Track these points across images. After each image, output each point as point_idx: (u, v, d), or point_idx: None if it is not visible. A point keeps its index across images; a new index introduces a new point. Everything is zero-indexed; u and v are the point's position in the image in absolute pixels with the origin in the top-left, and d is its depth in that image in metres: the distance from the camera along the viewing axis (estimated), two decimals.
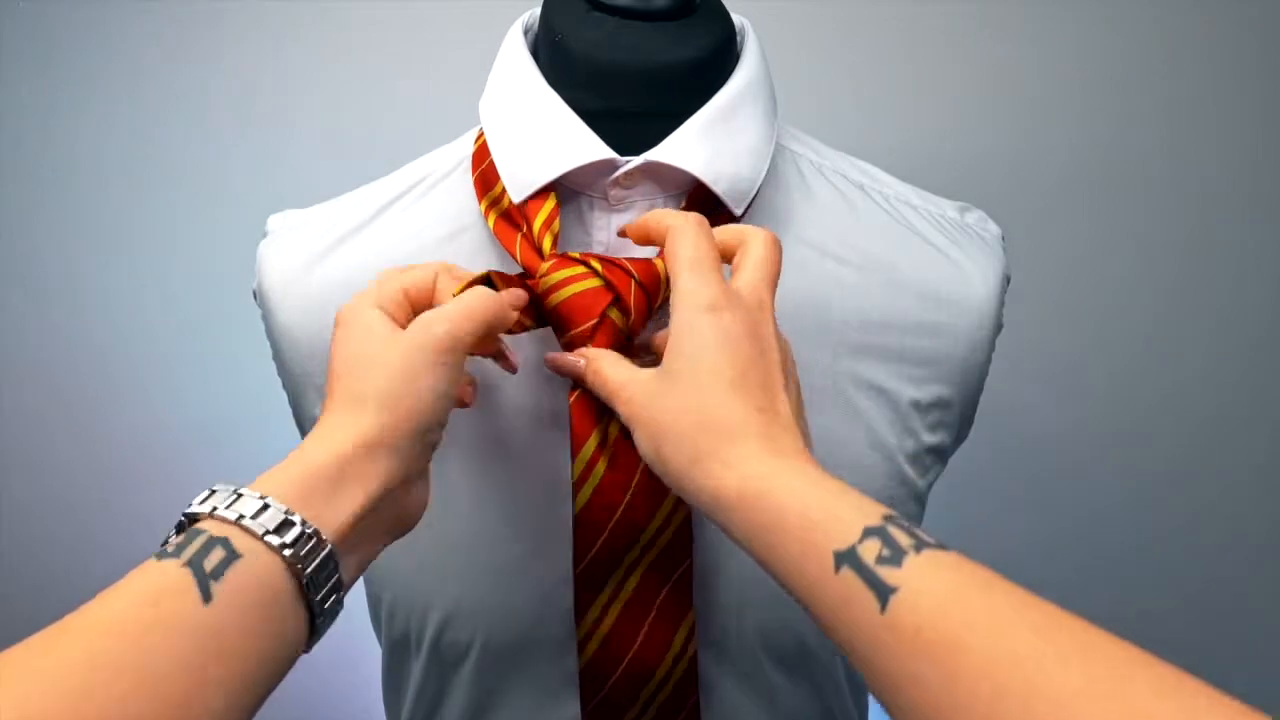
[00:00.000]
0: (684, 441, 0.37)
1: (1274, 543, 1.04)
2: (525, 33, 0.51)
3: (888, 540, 0.31)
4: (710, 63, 0.47)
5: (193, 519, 0.33)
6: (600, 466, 0.43)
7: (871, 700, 0.62)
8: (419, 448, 0.39)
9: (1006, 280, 0.53)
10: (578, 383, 0.44)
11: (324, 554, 0.33)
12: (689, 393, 0.37)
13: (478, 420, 0.48)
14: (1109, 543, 1.06)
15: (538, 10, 0.50)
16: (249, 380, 1.00)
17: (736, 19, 0.51)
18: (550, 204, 0.46)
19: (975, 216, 0.56)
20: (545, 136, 0.46)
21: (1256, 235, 0.97)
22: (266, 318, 0.52)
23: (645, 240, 0.44)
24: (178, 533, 0.33)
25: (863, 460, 0.49)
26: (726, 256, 0.43)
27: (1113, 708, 0.24)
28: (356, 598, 0.55)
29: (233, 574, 0.31)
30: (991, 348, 0.52)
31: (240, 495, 0.33)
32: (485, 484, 0.49)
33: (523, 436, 0.48)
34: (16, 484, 1.13)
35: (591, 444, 0.43)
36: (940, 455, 0.53)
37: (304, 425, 0.54)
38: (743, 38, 0.51)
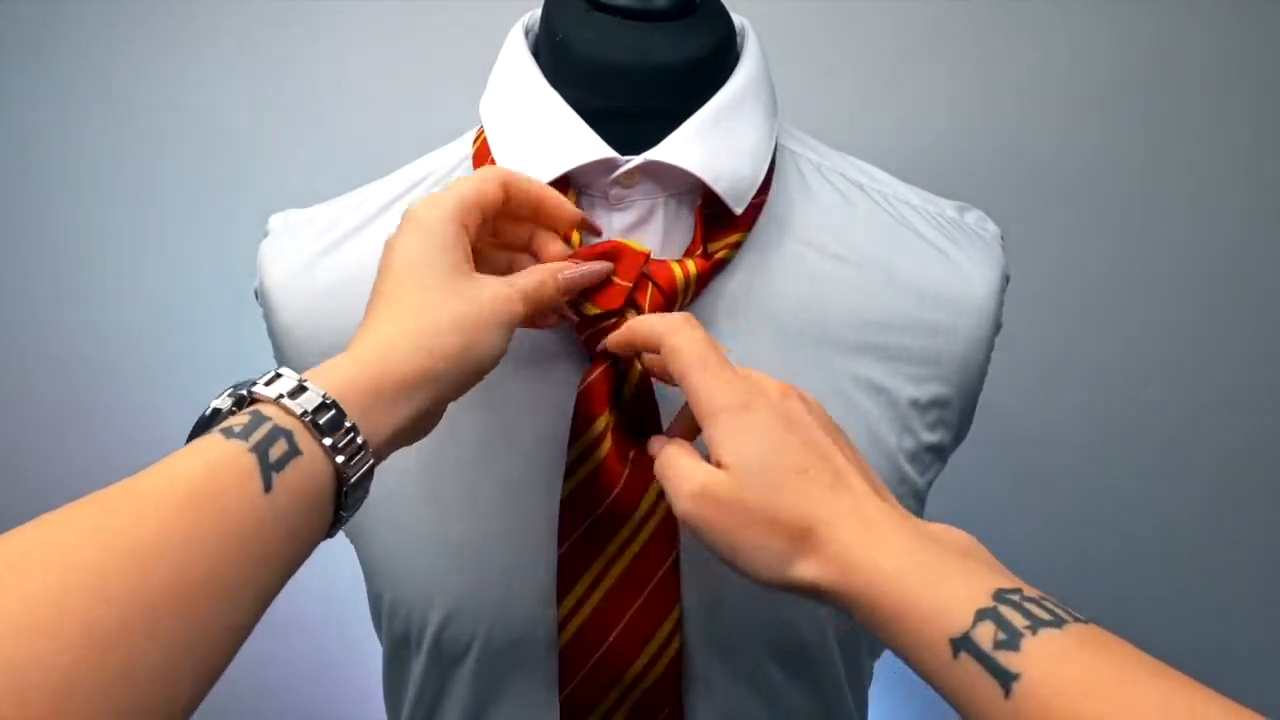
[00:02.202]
0: (769, 549, 0.36)
1: (1273, 541, 1.04)
2: (526, 33, 0.51)
3: (1001, 623, 0.30)
4: (710, 62, 0.47)
5: (254, 398, 0.33)
6: (604, 447, 0.44)
7: (871, 701, 0.62)
8: (470, 382, 0.40)
9: (1006, 279, 0.53)
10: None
11: (366, 467, 0.34)
12: (756, 496, 0.36)
13: (477, 419, 0.48)
14: (1109, 541, 1.06)
15: (538, 10, 0.50)
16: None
17: (736, 19, 0.51)
18: (570, 200, 0.47)
19: (974, 216, 0.56)
20: (546, 136, 0.46)
21: (1256, 234, 0.97)
22: (268, 317, 0.52)
23: (630, 350, 0.44)
24: (236, 405, 0.34)
25: None
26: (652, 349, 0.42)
27: None
28: (357, 598, 0.55)
29: (292, 469, 0.31)
30: (991, 347, 0.52)
31: (305, 388, 0.33)
32: (484, 482, 0.49)
33: (522, 435, 0.48)
34: (17, 483, 1.13)
35: (600, 425, 0.44)
36: (940, 454, 0.53)
37: None
38: (742, 37, 0.51)
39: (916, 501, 0.52)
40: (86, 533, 0.27)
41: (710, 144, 0.46)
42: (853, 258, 0.50)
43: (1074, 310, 1.00)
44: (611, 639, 0.46)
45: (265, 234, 0.54)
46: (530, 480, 0.48)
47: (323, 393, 0.33)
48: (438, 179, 0.52)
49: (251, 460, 0.30)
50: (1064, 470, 1.05)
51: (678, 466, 0.39)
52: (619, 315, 0.45)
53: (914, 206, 0.54)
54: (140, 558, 0.27)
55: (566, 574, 0.46)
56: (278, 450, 0.31)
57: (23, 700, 0.23)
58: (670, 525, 0.46)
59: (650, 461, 0.43)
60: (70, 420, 1.12)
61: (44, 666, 0.24)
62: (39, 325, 1.10)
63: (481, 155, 0.49)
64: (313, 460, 0.32)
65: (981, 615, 0.31)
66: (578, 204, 0.47)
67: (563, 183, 0.46)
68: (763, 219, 0.49)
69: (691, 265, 0.46)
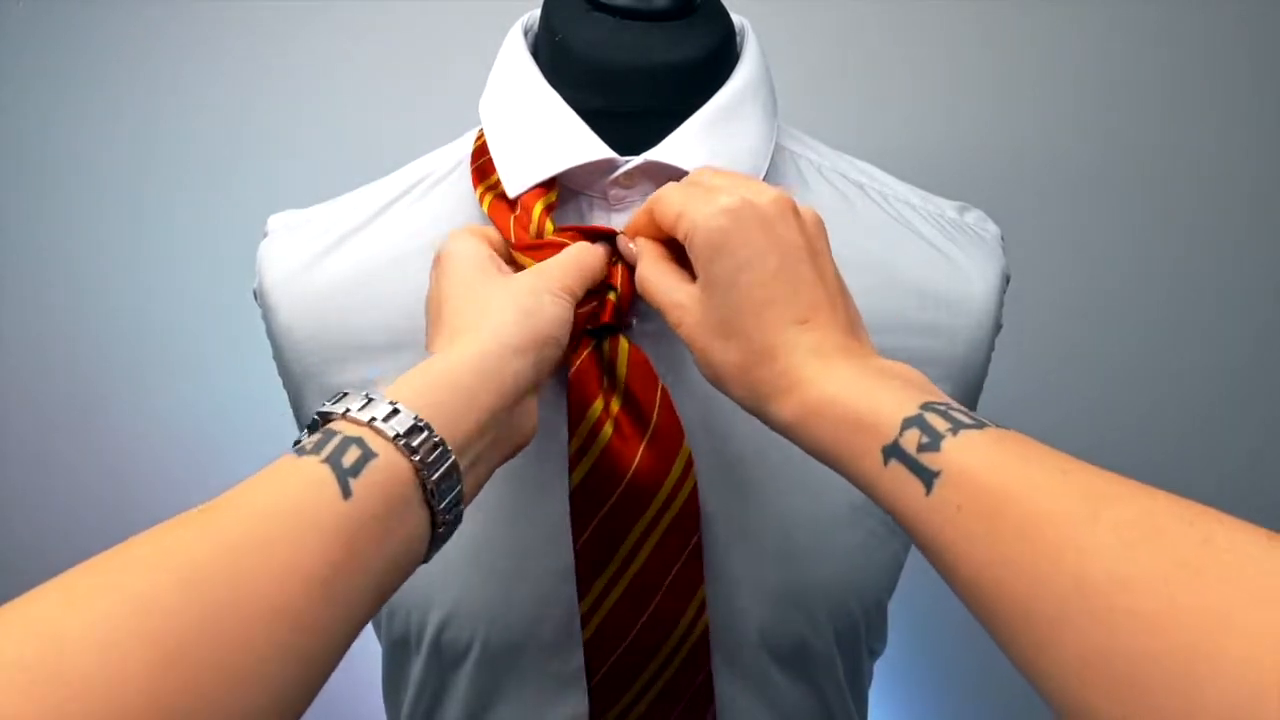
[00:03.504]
0: (742, 383, 0.39)
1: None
2: (525, 33, 0.51)
3: (925, 428, 0.33)
4: (710, 62, 0.47)
5: (325, 418, 0.34)
6: (607, 430, 0.44)
7: (872, 701, 0.62)
8: (537, 359, 0.39)
9: (1006, 280, 0.53)
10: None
11: (448, 464, 0.34)
12: (730, 318, 0.39)
13: None
14: None
15: (538, 10, 0.50)
16: (249, 380, 1.00)
17: (736, 19, 0.51)
18: (551, 196, 0.46)
19: (974, 216, 0.56)
20: (545, 136, 0.46)
21: (1256, 234, 0.97)
22: (267, 317, 0.52)
23: (654, 231, 0.44)
24: (309, 432, 0.33)
25: None
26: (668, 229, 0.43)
27: (1138, 554, 0.25)
28: None
29: (369, 472, 0.31)
30: (991, 347, 0.52)
31: (371, 400, 0.34)
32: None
33: None
34: (16, 483, 1.13)
35: (597, 407, 0.44)
36: None
37: (304, 424, 0.54)
38: (742, 37, 0.51)
39: None
40: (191, 545, 0.27)
41: (710, 144, 0.46)
42: (852, 258, 0.50)
43: (1074, 310, 1.00)
44: (638, 626, 0.46)
45: (264, 235, 0.54)
46: (530, 480, 0.48)
47: (388, 400, 0.33)
48: (437, 179, 0.52)
49: (326, 471, 0.30)
50: None
51: (658, 280, 0.42)
52: (601, 295, 0.45)
53: (914, 207, 0.54)
54: (248, 573, 0.27)
55: (586, 566, 0.46)
56: (351, 457, 0.31)
57: (111, 715, 0.23)
58: (693, 504, 0.45)
59: (670, 442, 0.44)
60: (69, 420, 1.12)
61: (127, 679, 0.23)
62: (37, 325, 1.10)
63: (481, 155, 0.49)
64: (389, 460, 0.32)
65: (908, 423, 0.33)
66: (559, 205, 0.47)
67: (548, 185, 0.46)
68: None
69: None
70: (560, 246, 0.44)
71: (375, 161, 0.58)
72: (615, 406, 0.44)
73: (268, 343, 0.53)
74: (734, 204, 0.39)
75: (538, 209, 0.45)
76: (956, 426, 0.32)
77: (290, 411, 0.55)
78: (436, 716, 0.54)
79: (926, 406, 0.33)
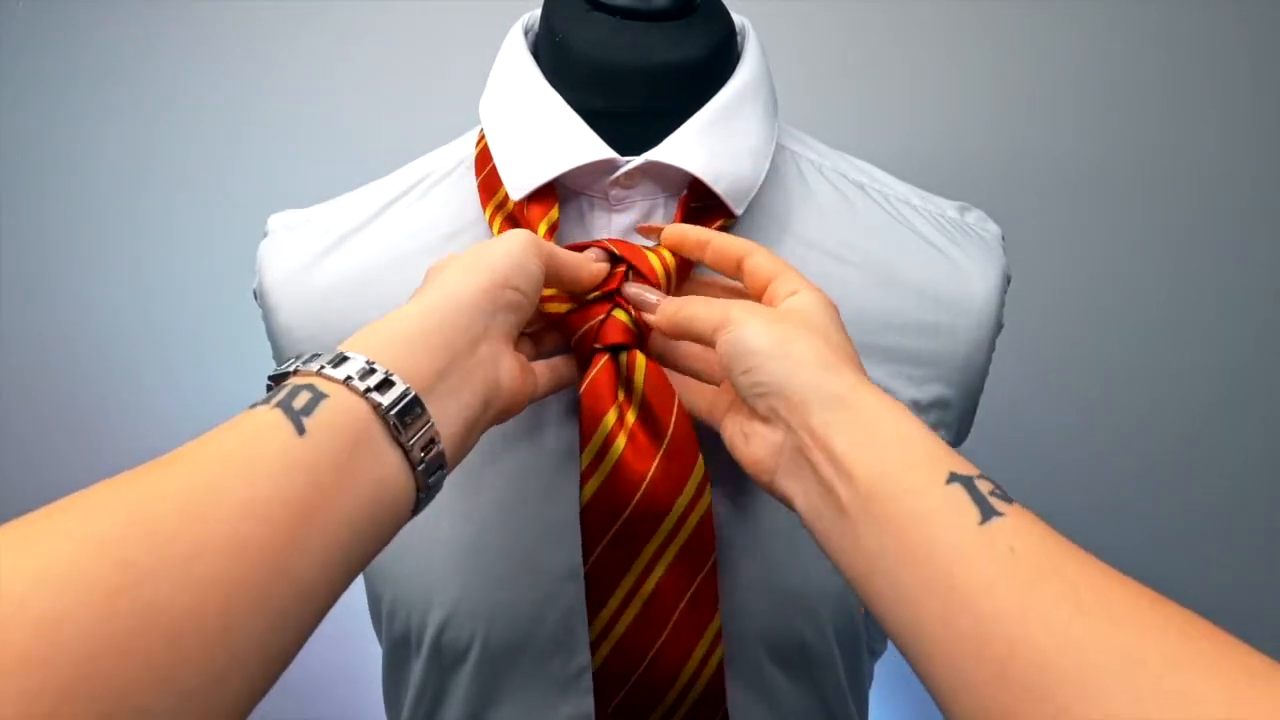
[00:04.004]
0: (813, 345, 0.38)
1: (1273, 540, 1.04)
2: (526, 33, 0.51)
3: (1000, 488, 0.33)
4: (710, 62, 0.47)
5: (278, 379, 0.34)
6: (620, 442, 0.43)
7: (872, 701, 0.62)
8: (491, 304, 0.39)
9: (1006, 280, 0.53)
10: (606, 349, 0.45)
11: (407, 398, 0.33)
12: (818, 326, 0.39)
13: None
14: (1108, 540, 1.06)
15: (538, 11, 0.50)
16: (249, 380, 1.00)
17: (736, 19, 0.51)
18: (554, 213, 0.46)
19: (975, 216, 0.56)
20: (545, 136, 0.46)
21: (1256, 234, 0.97)
22: (267, 317, 0.52)
23: (677, 248, 0.45)
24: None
25: None
26: (725, 266, 0.44)
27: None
28: (357, 598, 0.55)
29: (322, 411, 0.31)
30: (992, 347, 0.52)
31: (318, 355, 0.34)
32: (485, 485, 0.49)
33: (523, 434, 0.48)
34: (16, 483, 1.13)
35: (610, 419, 0.43)
36: None
37: None
38: (743, 37, 0.51)
39: None
40: (147, 495, 0.27)
41: (711, 144, 0.46)
42: (853, 258, 0.50)
43: (1075, 310, 1.00)
44: (652, 655, 0.45)
45: (264, 234, 0.54)
46: (531, 481, 0.48)
47: (337, 351, 0.34)
48: (437, 179, 0.52)
49: (278, 413, 0.30)
50: (1065, 471, 1.05)
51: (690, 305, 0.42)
52: (611, 297, 0.45)
53: (914, 207, 0.54)
54: (203, 516, 0.26)
55: (596, 589, 0.44)
56: (302, 399, 0.31)
57: (56, 650, 0.23)
58: (708, 524, 0.44)
59: (686, 456, 0.43)
60: (68, 421, 1.12)
61: (82, 618, 0.23)
62: (37, 325, 1.10)
63: (484, 159, 0.49)
64: (340, 398, 0.32)
65: (985, 476, 0.33)
66: (560, 214, 0.47)
67: (551, 189, 0.46)
68: (763, 219, 0.49)
69: (668, 256, 0.45)
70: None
71: (375, 161, 0.58)
72: (631, 418, 0.43)
73: (268, 343, 0.53)
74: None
75: (542, 229, 0.45)
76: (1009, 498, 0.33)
77: None
78: (437, 718, 0.54)
79: (995, 481, 0.33)
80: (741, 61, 0.49)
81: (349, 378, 0.32)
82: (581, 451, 0.43)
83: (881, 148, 0.72)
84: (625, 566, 0.44)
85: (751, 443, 0.40)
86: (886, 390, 0.49)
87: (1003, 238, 0.55)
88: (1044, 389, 1.02)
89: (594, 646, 0.45)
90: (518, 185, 0.46)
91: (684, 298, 0.43)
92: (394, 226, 0.51)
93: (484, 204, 0.49)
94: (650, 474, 0.43)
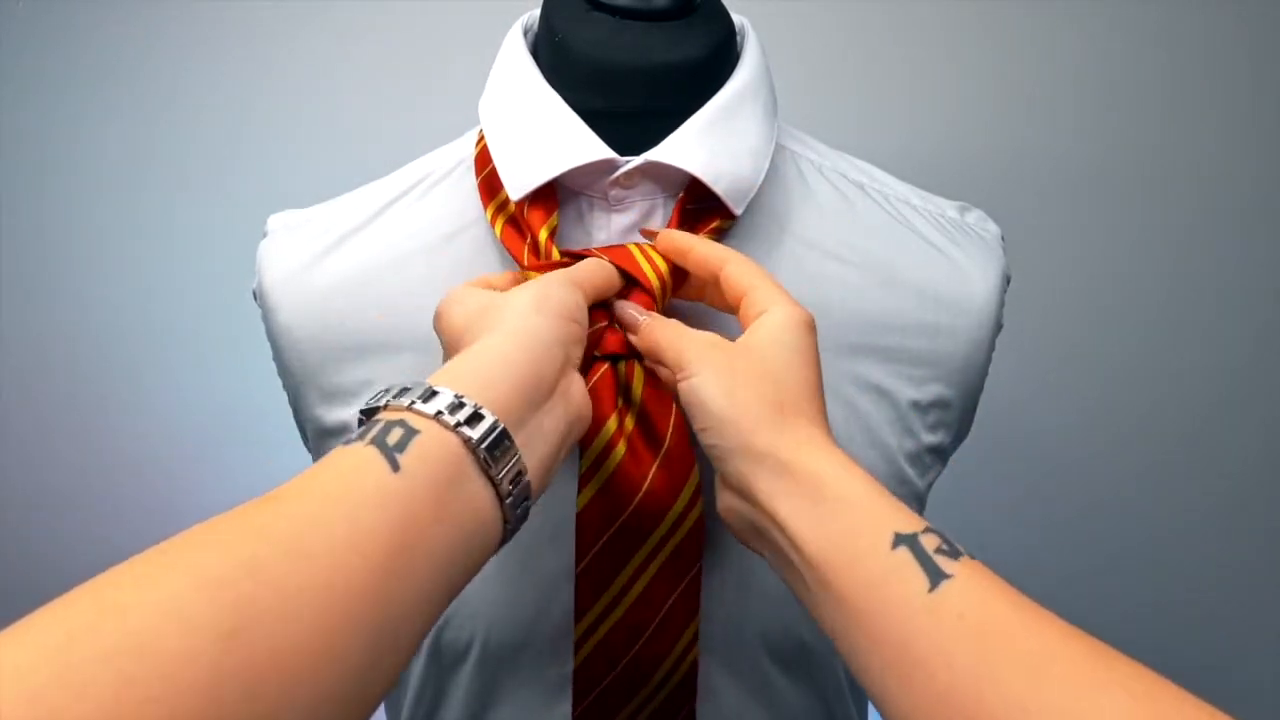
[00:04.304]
0: (764, 397, 0.38)
1: (1273, 540, 1.04)
2: (525, 33, 0.51)
3: (945, 540, 0.33)
4: (710, 62, 0.47)
5: (369, 414, 0.34)
6: (620, 449, 0.43)
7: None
8: (563, 335, 0.39)
9: (1006, 280, 0.53)
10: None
11: (497, 431, 0.34)
12: (772, 369, 0.39)
13: None
14: (1108, 539, 1.06)
15: (538, 11, 0.50)
16: (249, 380, 1.00)
17: (736, 19, 0.51)
18: (554, 219, 0.46)
19: (975, 216, 0.56)
20: (545, 136, 0.46)
21: (1256, 234, 0.97)
22: (266, 318, 0.52)
23: (672, 253, 0.45)
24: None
25: (862, 460, 0.49)
26: (704, 276, 0.44)
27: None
28: None
29: (415, 446, 0.32)
30: (991, 347, 0.52)
31: (407, 389, 0.34)
32: None
33: None
34: (17, 483, 1.13)
35: (611, 426, 0.43)
36: (940, 455, 0.53)
37: (304, 425, 0.54)
38: (743, 37, 0.51)
39: (917, 503, 0.52)
40: (251, 532, 0.28)
41: (711, 144, 0.46)
42: (853, 258, 0.50)
43: (1075, 310, 1.00)
44: (633, 653, 0.45)
45: (264, 234, 0.54)
46: None
47: (426, 384, 0.34)
48: (437, 179, 0.52)
49: (372, 450, 0.31)
50: (1066, 471, 1.05)
51: (657, 331, 0.43)
52: (610, 318, 0.45)
53: (914, 207, 0.54)
54: (308, 553, 0.27)
55: (586, 591, 0.45)
56: (395, 436, 0.32)
57: (174, 690, 0.23)
58: (700, 528, 0.45)
59: (682, 464, 0.43)
60: (68, 421, 1.12)
61: (196, 653, 0.24)
62: (37, 325, 1.10)
63: (484, 159, 0.49)
64: (432, 433, 0.32)
65: (930, 530, 0.33)
66: (573, 205, 0.47)
67: (551, 190, 0.46)
68: (763, 219, 0.49)
69: (659, 261, 0.45)
70: (570, 265, 0.44)
71: (375, 161, 0.58)
72: (630, 424, 0.44)
73: (268, 343, 0.53)
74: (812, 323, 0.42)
75: (544, 234, 0.46)
76: (970, 554, 0.33)
77: (290, 411, 0.55)
78: (436, 718, 0.54)
79: (940, 531, 0.34)
80: (741, 61, 0.49)
81: (439, 412, 0.33)
82: (581, 456, 0.43)
83: (881, 148, 0.72)
84: (617, 570, 0.44)
85: (722, 497, 0.40)
86: (887, 390, 0.50)
87: (1003, 238, 0.55)
88: (1044, 389, 1.02)
89: (578, 645, 0.46)
90: (517, 185, 0.46)
91: (656, 323, 0.43)
92: (394, 226, 0.51)
93: (485, 204, 0.49)
94: (647, 482, 0.43)
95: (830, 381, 0.49)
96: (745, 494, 0.38)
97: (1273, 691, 1.05)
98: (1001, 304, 0.52)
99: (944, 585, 0.31)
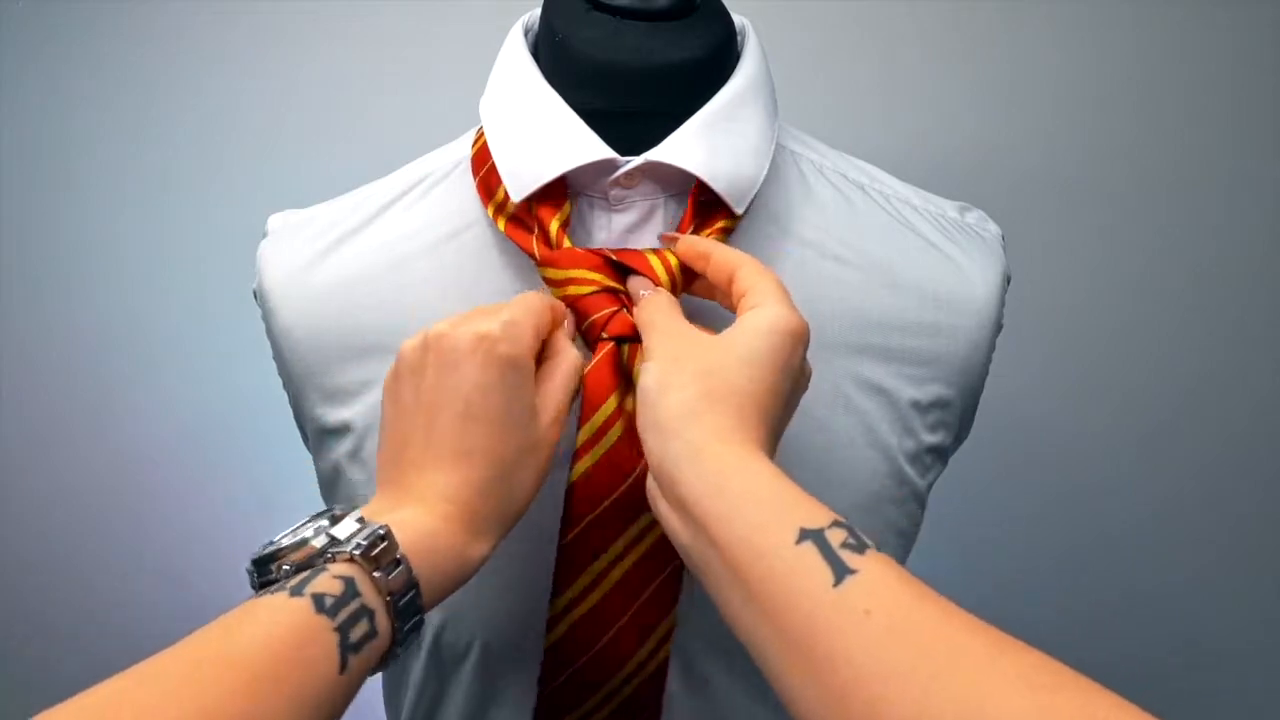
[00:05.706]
0: (695, 388, 0.38)
1: (1273, 539, 1.04)
2: (526, 33, 0.51)
3: (853, 533, 0.33)
4: (710, 62, 0.47)
5: (350, 555, 0.35)
6: (616, 429, 0.43)
7: None
8: (508, 388, 0.40)
9: (1007, 280, 0.53)
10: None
11: (420, 623, 0.37)
12: (722, 363, 0.39)
13: None
14: (1108, 538, 1.06)
15: (538, 10, 0.50)
16: (249, 380, 1.00)
17: (737, 19, 0.51)
18: (566, 210, 0.46)
19: (975, 216, 0.56)
20: (545, 136, 0.46)
21: (1256, 234, 0.97)
22: (267, 318, 0.52)
23: (692, 259, 0.45)
24: (331, 522, 0.37)
25: (862, 460, 0.49)
26: (720, 282, 0.44)
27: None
28: None
29: (367, 651, 0.34)
30: (992, 347, 0.52)
31: (400, 562, 0.36)
32: None
33: None
34: (17, 483, 1.13)
35: (611, 404, 0.44)
36: (940, 455, 0.53)
37: (304, 426, 0.54)
38: (743, 37, 0.51)
39: (917, 503, 0.52)
40: (171, 696, 0.29)
41: (711, 144, 0.46)
42: (853, 258, 0.50)
43: (1074, 310, 1.00)
44: (606, 639, 0.45)
45: (264, 235, 0.54)
46: None
47: (408, 569, 0.36)
48: (437, 179, 0.52)
49: (333, 641, 0.32)
50: (1065, 470, 1.05)
51: (650, 309, 0.44)
52: (617, 301, 0.45)
53: (915, 207, 0.54)
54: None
55: (566, 567, 0.45)
56: (358, 633, 0.33)
57: None
58: None
59: None
60: (68, 421, 1.12)
61: None
62: (37, 326, 1.10)
63: (481, 158, 0.49)
64: (382, 640, 0.35)
65: (837, 524, 0.33)
66: (574, 205, 0.47)
67: (560, 185, 0.46)
68: (763, 219, 0.49)
69: (671, 258, 0.46)
70: (581, 258, 0.45)
71: (375, 161, 0.58)
72: (630, 405, 0.44)
73: (267, 343, 0.53)
74: (804, 334, 0.41)
75: (554, 226, 0.46)
76: (878, 546, 0.33)
77: (290, 411, 0.55)
78: (436, 718, 0.54)
79: (848, 525, 0.34)
80: (741, 61, 0.49)
81: (404, 622, 0.36)
82: (578, 429, 0.44)
83: (882, 148, 0.72)
84: (599, 551, 0.45)
85: (650, 495, 0.41)
86: (887, 390, 0.50)
87: (1003, 238, 0.55)
88: (1043, 388, 1.02)
89: (551, 623, 0.46)
90: (517, 186, 0.46)
91: (649, 304, 0.44)
92: (394, 227, 0.51)
93: (484, 204, 0.49)
94: (640, 466, 0.43)
95: (831, 381, 0.49)
96: (661, 482, 0.38)
97: (1268, 692, 1.05)
98: (1002, 304, 0.52)
99: (849, 580, 0.31)
